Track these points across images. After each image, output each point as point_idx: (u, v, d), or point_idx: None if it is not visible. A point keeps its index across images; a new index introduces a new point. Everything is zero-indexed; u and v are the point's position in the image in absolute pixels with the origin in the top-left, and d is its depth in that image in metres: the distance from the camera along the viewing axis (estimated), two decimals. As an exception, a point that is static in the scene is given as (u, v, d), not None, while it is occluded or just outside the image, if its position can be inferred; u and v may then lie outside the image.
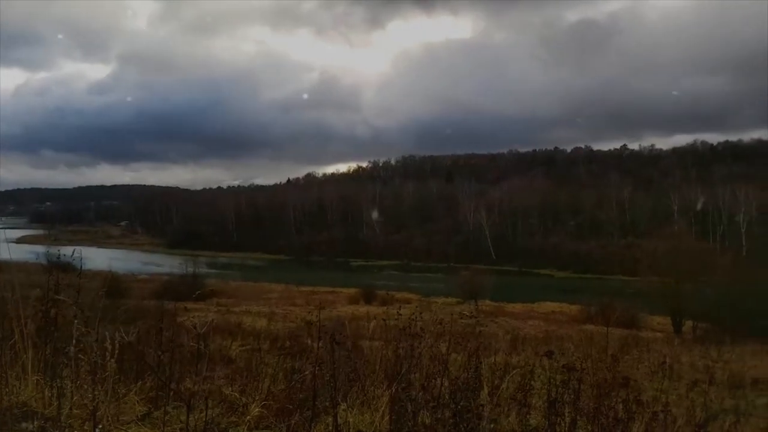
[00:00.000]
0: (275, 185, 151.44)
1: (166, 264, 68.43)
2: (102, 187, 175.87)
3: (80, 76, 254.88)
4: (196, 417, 3.13)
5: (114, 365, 3.22)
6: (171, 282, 40.58)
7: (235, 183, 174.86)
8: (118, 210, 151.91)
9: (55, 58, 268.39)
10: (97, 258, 51.02)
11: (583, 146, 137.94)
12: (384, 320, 4.57)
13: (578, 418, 3.41)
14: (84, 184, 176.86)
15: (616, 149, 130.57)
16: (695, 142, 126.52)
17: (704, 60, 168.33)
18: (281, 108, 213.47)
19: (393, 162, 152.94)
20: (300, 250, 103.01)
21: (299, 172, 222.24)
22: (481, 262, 77.28)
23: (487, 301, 43.78)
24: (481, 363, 3.90)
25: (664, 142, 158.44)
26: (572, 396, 3.39)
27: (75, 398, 3.19)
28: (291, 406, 3.54)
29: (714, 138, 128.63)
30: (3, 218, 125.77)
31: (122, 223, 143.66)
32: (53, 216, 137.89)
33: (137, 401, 3.57)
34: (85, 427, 3.04)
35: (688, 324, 31.16)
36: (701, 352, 13.59)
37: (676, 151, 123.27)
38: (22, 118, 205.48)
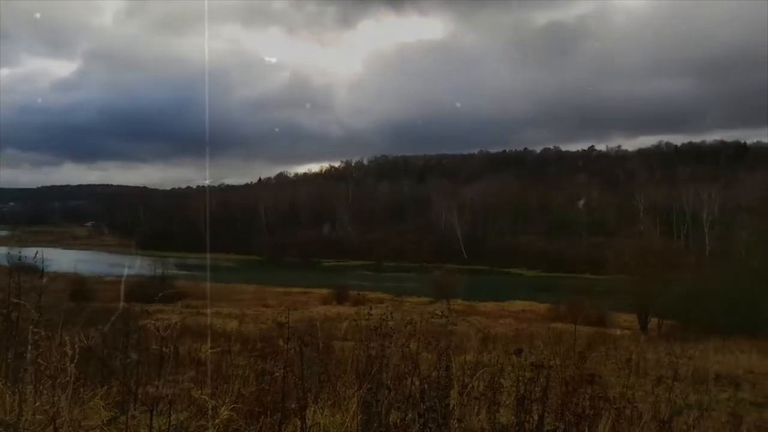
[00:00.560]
0: (247, 185, 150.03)
1: (134, 265, 67.20)
2: (67, 187, 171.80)
3: (45, 73, 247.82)
4: (161, 421, 3.08)
5: (74, 370, 3.15)
6: (139, 284, 39.85)
7: (205, 183, 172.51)
8: (85, 210, 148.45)
9: (18, 55, 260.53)
10: (62, 260, 49.80)
11: (552, 147, 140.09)
12: (356, 321, 4.57)
13: (546, 414, 3.45)
14: (48, 184, 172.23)
15: (584, 150, 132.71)
16: (660, 143, 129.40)
17: (669, 63, 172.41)
18: (253, 107, 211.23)
19: (366, 162, 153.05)
20: (272, 251, 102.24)
21: (271, 171, 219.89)
22: (453, 261, 77.92)
23: (459, 301, 44.07)
24: (451, 362, 3.92)
25: (630, 144, 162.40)
26: (540, 393, 3.44)
27: (37, 404, 3.12)
28: (261, 409, 3.51)
29: (678, 139, 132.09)
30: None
31: (88, 224, 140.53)
32: (16, 217, 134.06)
33: (103, 406, 3.50)
34: (47, 433, 2.97)
35: (654, 321, 31.83)
36: (666, 348, 13.90)
37: (641, 152, 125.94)
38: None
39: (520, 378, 3.46)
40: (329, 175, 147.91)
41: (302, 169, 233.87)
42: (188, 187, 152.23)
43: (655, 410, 4.46)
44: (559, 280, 57.29)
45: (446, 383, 3.55)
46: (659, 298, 31.19)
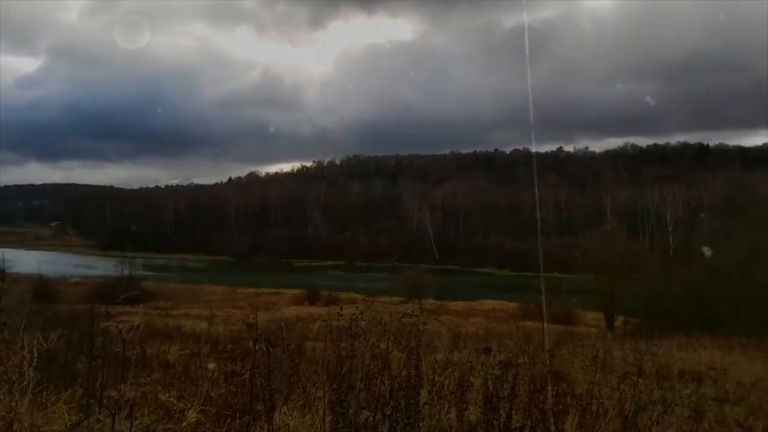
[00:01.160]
0: (216, 184, 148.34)
1: (99, 266, 65.77)
2: (31, 187, 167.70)
3: (7, 70, 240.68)
4: (124, 425, 3.02)
5: (32, 374, 3.07)
6: (105, 285, 39.04)
7: (174, 182, 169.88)
8: (49, 210, 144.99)
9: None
10: (25, 261, 48.29)
11: (521, 148, 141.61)
12: (326, 321, 4.56)
13: (514, 412, 3.50)
14: (11, 183, 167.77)
15: (552, 151, 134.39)
16: (626, 145, 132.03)
17: (634, 67, 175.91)
18: (222, 106, 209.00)
19: (337, 162, 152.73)
20: (242, 251, 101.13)
21: (241, 171, 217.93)
22: (424, 261, 78.27)
23: (431, 300, 44.31)
24: (421, 361, 3.94)
25: (597, 145, 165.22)
26: (508, 391, 3.48)
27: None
28: (229, 411, 3.48)
29: (643, 141, 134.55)
30: None
31: (53, 224, 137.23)
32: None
33: (66, 410, 3.43)
34: (4, 439, 2.90)
35: (620, 319, 32.48)
36: (632, 346, 14.17)
37: (608, 154, 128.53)
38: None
39: (489, 376, 3.50)
40: (301, 175, 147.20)
41: (273, 168, 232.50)
42: (156, 187, 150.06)
43: (620, 406, 4.54)
44: (529, 280, 57.96)
45: (416, 382, 3.57)
46: (624, 297, 31.82)
